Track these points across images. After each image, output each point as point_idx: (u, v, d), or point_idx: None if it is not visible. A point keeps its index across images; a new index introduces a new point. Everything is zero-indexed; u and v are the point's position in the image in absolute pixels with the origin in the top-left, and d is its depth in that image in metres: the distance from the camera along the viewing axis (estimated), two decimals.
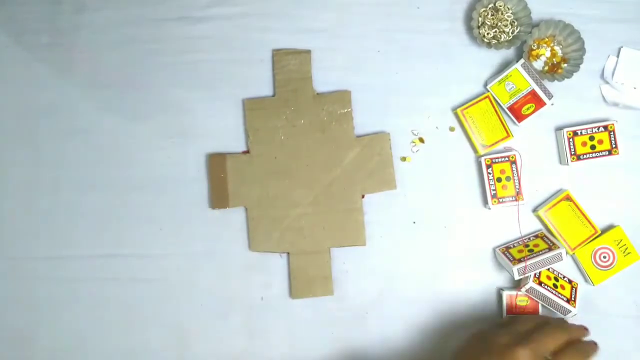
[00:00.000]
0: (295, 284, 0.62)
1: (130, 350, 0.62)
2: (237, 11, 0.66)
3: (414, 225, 0.64)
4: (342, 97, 0.64)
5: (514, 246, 0.62)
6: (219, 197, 0.63)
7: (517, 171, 0.62)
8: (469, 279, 0.63)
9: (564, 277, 0.61)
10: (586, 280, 0.63)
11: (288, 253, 0.63)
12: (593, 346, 0.55)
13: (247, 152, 0.64)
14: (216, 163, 0.63)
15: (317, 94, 0.64)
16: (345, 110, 0.63)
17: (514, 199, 0.62)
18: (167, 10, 0.66)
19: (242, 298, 0.63)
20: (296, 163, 0.63)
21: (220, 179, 0.63)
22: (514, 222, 0.63)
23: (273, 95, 0.64)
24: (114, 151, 0.65)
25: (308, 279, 0.62)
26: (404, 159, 0.64)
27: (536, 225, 0.64)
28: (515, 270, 0.59)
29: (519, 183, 0.62)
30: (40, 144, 0.65)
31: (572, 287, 0.61)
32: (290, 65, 0.64)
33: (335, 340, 0.62)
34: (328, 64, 0.65)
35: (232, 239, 0.64)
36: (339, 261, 0.63)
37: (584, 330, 0.57)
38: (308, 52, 0.64)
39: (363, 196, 0.63)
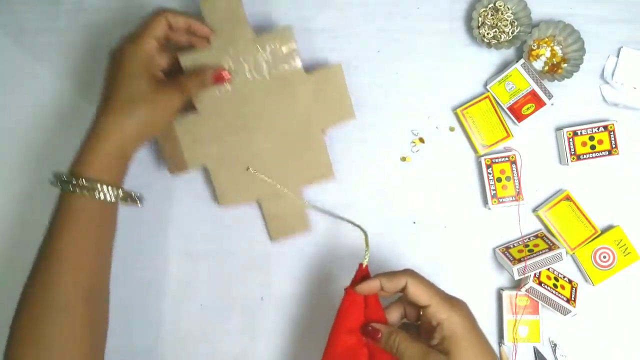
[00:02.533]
0: (272, 226, 0.62)
1: (131, 350, 0.62)
2: None
3: (414, 225, 0.64)
4: (283, 35, 0.59)
5: (514, 246, 0.62)
6: (175, 162, 0.61)
7: (517, 171, 0.62)
8: (469, 279, 0.63)
9: (564, 277, 0.61)
10: (586, 280, 0.63)
11: (259, 201, 0.62)
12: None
13: (194, 110, 0.60)
14: None
15: (257, 35, 0.59)
16: (289, 48, 0.59)
17: (514, 199, 0.62)
18: None
19: (242, 298, 0.63)
20: (248, 111, 0.60)
21: (173, 143, 0.61)
22: (514, 222, 0.63)
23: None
24: None
25: (284, 220, 0.62)
26: (404, 159, 0.64)
27: (536, 225, 0.64)
28: (515, 270, 0.59)
29: (519, 183, 0.62)
30: (40, 144, 0.65)
31: (572, 287, 0.61)
32: (219, 10, 0.58)
33: None
34: (328, 64, 0.65)
35: (232, 239, 0.64)
36: (339, 261, 0.63)
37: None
38: None
39: (323, 131, 0.62)
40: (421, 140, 0.65)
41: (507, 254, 0.61)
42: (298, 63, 0.60)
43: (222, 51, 0.59)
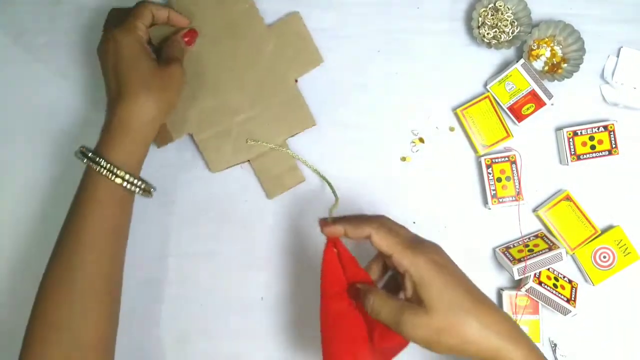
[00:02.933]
0: (267, 185, 0.63)
1: (131, 351, 0.62)
2: None
3: (414, 225, 0.64)
4: None
5: (514, 246, 0.62)
6: (160, 135, 0.62)
7: (517, 171, 0.62)
8: None
9: (564, 277, 0.61)
10: (586, 280, 0.63)
11: (249, 161, 0.63)
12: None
13: None
14: None
15: None
16: (248, 5, 0.63)
17: (513, 199, 0.62)
18: None
19: (242, 298, 0.63)
20: (220, 72, 0.63)
21: None
22: (514, 222, 0.63)
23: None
24: None
25: (277, 176, 0.63)
26: (404, 159, 0.64)
27: (536, 225, 0.64)
28: (515, 270, 0.59)
29: (519, 183, 0.62)
30: (40, 144, 0.65)
31: (572, 287, 0.61)
32: None
33: None
34: (328, 63, 0.65)
35: (232, 238, 0.64)
36: None
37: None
38: None
39: (296, 80, 0.64)
40: (421, 140, 0.65)
41: (507, 254, 0.61)
42: (259, 18, 0.63)
43: (185, 15, 0.61)
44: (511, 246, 0.63)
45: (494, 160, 0.62)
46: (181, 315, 0.63)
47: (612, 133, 0.62)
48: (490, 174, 0.62)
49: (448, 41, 0.65)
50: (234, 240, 0.64)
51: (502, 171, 0.62)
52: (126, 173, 0.52)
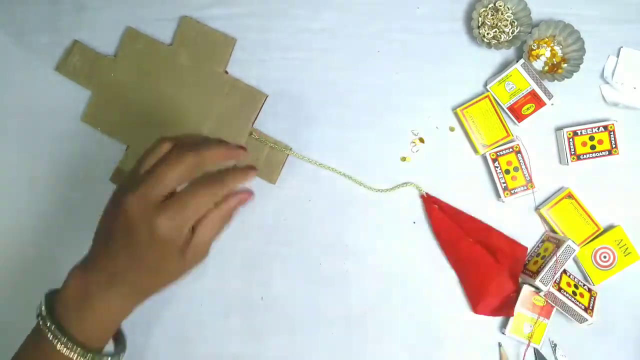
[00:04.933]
0: (264, 174, 0.64)
1: (130, 351, 0.62)
2: (237, 11, 0.66)
3: (414, 225, 0.64)
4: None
5: (528, 260, 0.62)
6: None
7: (523, 160, 0.62)
8: None
9: (583, 284, 0.61)
10: (587, 280, 0.63)
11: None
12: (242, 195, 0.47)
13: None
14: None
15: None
16: (141, 45, 0.65)
17: (525, 188, 0.62)
18: (167, 10, 0.66)
19: (242, 298, 0.63)
20: (159, 107, 0.64)
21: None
22: (515, 222, 0.63)
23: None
24: (115, 150, 0.65)
25: (266, 162, 0.64)
26: (404, 159, 0.64)
27: (538, 225, 0.64)
28: (540, 283, 0.58)
29: (528, 171, 0.62)
30: (40, 144, 0.65)
31: (591, 296, 0.60)
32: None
33: (335, 340, 0.62)
34: (328, 64, 0.65)
35: (232, 238, 0.64)
36: (339, 261, 0.63)
37: (225, 149, 0.46)
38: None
39: (226, 72, 0.65)
40: (421, 140, 0.65)
41: (526, 271, 0.61)
42: (159, 45, 0.65)
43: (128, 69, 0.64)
44: (526, 261, 0.62)
45: (498, 153, 0.62)
46: (181, 315, 0.63)
47: (612, 133, 0.62)
48: (497, 167, 0.62)
49: (448, 41, 0.65)
50: (234, 241, 0.64)
51: (509, 162, 0.62)
52: (91, 353, 0.44)
